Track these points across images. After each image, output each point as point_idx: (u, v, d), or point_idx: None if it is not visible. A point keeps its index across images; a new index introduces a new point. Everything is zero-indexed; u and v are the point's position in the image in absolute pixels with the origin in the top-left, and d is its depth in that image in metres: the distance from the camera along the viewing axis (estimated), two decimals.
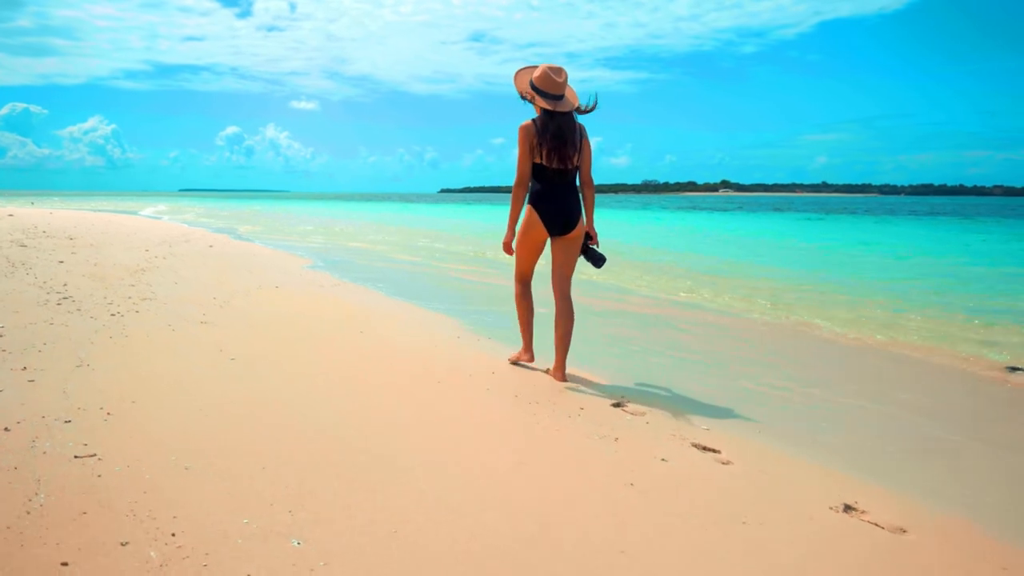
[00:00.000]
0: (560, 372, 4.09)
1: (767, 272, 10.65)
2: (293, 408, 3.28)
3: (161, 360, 4.05)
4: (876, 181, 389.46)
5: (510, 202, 4.03)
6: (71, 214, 23.29)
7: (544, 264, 4.23)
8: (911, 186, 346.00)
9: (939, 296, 8.28)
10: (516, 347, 4.50)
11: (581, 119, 4.06)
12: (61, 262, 8.51)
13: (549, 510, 2.38)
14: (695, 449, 3.09)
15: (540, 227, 4.00)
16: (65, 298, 5.89)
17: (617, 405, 3.72)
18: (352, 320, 5.69)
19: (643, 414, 3.56)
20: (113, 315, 5.27)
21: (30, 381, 3.45)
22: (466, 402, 3.59)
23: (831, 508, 2.53)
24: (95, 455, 2.52)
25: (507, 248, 4.17)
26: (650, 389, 4.04)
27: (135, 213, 29.38)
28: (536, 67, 4.00)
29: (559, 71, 3.90)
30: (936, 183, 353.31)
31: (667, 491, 2.58)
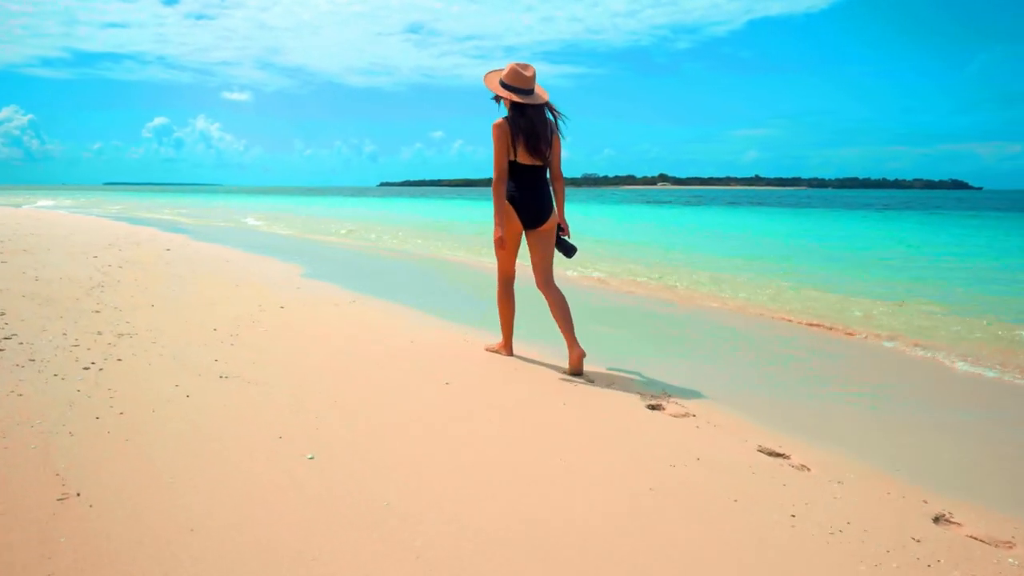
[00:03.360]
0: (578, 348, 4.00)
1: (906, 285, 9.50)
2: None
3: (198, 474, 2.44)
4: (804, 175, 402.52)
5: (493, 199, 4.10)
6: None
7: (524, 263, 4.34)
8: (838, 179, 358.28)
9: None
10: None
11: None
12: None
13: None
14: None
15: (515, 220, 4.14)
16: (7, 338, 4.18)
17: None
18: (416, 361, 4.18)
19: (887, 493, 2.24)
20: (87, 368, 3.63)
21: None
22: (697, 531, 2.17)
23: None
24: None
25: (499, 243, 4.17)
26: (839, 445, 2.71)
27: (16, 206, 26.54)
28: (503, 68, 4.09)
29: (526, 66, 4.02)
30: (861, 176, 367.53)
31: None
